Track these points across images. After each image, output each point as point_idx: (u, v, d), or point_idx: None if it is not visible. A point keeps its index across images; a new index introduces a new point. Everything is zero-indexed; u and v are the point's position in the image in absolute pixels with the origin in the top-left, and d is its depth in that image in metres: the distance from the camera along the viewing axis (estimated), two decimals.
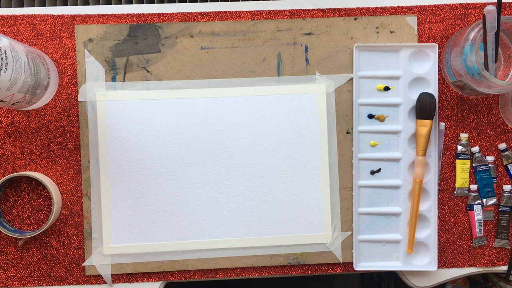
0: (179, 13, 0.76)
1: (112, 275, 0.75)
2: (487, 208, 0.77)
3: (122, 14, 0.75)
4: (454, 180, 0.77)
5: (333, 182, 0.76)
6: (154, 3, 0.91)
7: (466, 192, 0.76)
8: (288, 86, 0.76)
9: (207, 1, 0.91)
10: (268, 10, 0.76)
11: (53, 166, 0.75)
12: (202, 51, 0.76)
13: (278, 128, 0.76)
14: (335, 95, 0.76)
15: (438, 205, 0.76)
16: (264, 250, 0.76)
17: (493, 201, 0.76)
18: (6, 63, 0.60)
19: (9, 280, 0.75)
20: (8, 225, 0.74)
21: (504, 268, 0.77)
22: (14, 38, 0.74)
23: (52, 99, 0.75)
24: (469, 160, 0.76)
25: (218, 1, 0.83)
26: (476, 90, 0.70)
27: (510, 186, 0.76)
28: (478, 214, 0.75)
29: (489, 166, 0.76)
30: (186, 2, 0.91)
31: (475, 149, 0.76)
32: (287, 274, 0.77)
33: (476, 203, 0.76)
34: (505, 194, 0.76)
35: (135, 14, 0.75)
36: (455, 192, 0.76)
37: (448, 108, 0.77)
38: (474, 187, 0.76)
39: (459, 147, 0.76)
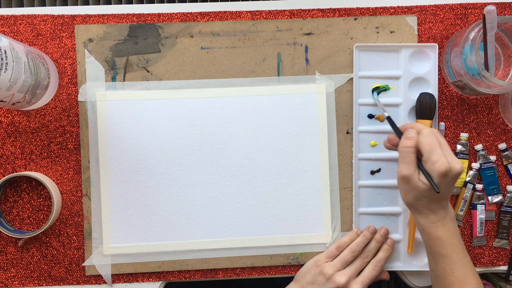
0: (179, 13, 0.76)
1: (112, 275, 0.75)
2: (490, 207, 0.76)
3: (122, 14, 0.75)
4: None
5: (333, 182, 0.76)
6: (154, 3, 0.91)
7: (459, 191, 0.76)
8: (288, 86, 0.76)
9: (207, 1, 0.91)
10: (268, 10, 0.76)
11: (53, 166, 0.75)
12: (202, 51, 0.76)
13: (278, 128, 0.76)
14: (335, 95, 0.76)
15: None
16: (264, 250, 0.76)
17: (498, 198, 0.76)
18: (6, 63, 0.60)
19: (9, 280, 0.75)
20: (8, 225, 0.74)
21: (504, 268, 0.77)
22: (14, 38, 0.74)
23: (52, 99, 0.75)
24: (467, 160, 0.76)
25: (218, 1, 0.83)
26: (476, 90, 0.70)
27: None
28: (480, 214, 0.75)
29: (493, 164, 0.76)
30: (186, 2, 0.91)
31: (479, 146, 0.76)
32: (287, 274, 0.76)
33: (480, 202, 0.76)
34: (509, 195, 0.75)
35: (135, 14, 0.75)
36: None
37: (448, 108, 0.77)
38: (479, 186, 0.76)
39: (458, 146, 0.76)
